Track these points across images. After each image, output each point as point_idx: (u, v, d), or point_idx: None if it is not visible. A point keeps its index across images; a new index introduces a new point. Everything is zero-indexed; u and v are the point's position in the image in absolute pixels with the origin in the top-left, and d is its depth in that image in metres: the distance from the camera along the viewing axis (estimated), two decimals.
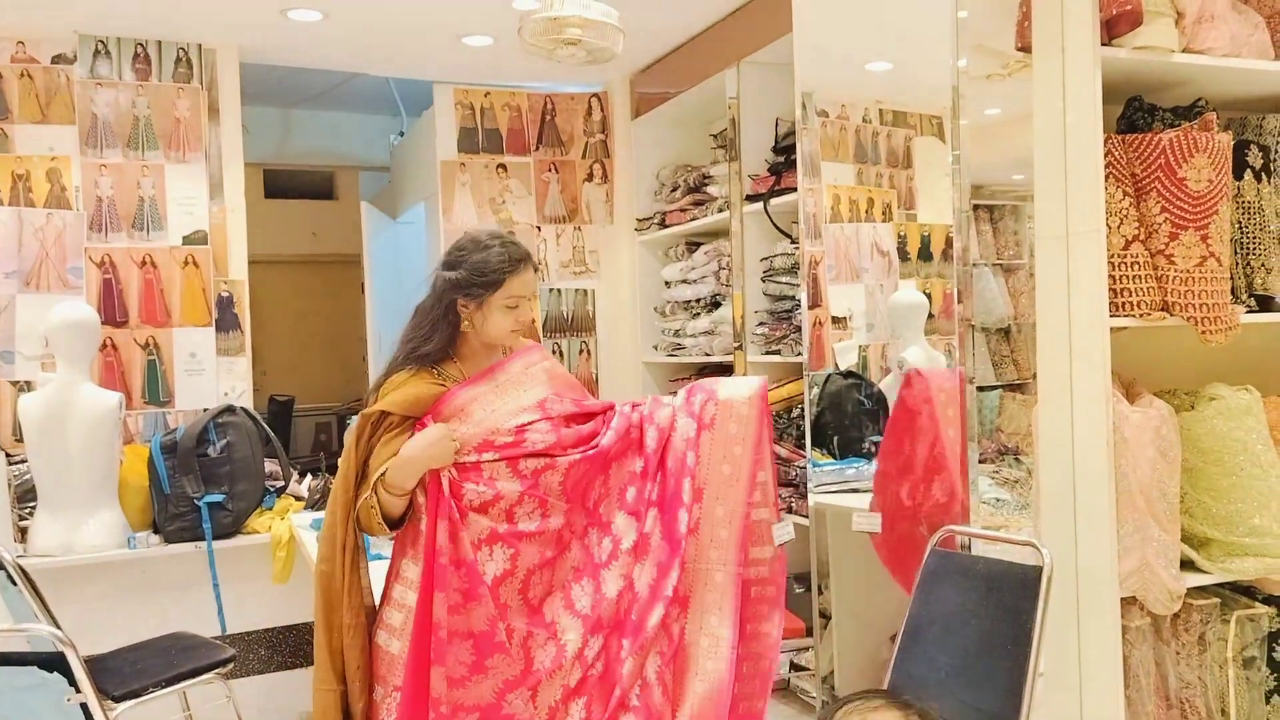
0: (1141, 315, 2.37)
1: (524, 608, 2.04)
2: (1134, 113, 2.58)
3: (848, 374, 3.67)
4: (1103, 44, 2.34)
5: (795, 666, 3.82)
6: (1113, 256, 2.36)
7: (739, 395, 2.20)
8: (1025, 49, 2.48)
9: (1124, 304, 2.37)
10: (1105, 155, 2.36)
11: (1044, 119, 2.44)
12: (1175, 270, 2.39)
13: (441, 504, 2.00)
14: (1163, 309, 2.41)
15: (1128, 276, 2.38)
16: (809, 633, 3.30)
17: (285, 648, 3.95)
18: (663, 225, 4.94)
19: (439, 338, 2.14)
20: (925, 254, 3.64)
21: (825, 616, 3.34)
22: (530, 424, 2.11)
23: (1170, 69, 2.48)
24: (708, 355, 4.62)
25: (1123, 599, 2.37)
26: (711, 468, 2.15)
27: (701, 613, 2.10)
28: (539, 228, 5.18)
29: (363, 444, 2.07)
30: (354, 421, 2.13)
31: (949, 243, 3.58)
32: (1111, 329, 2.34)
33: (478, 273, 2.11)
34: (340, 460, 2.10)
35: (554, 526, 2.09)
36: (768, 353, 4.11)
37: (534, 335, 2.36)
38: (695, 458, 2.16)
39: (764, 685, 2.21)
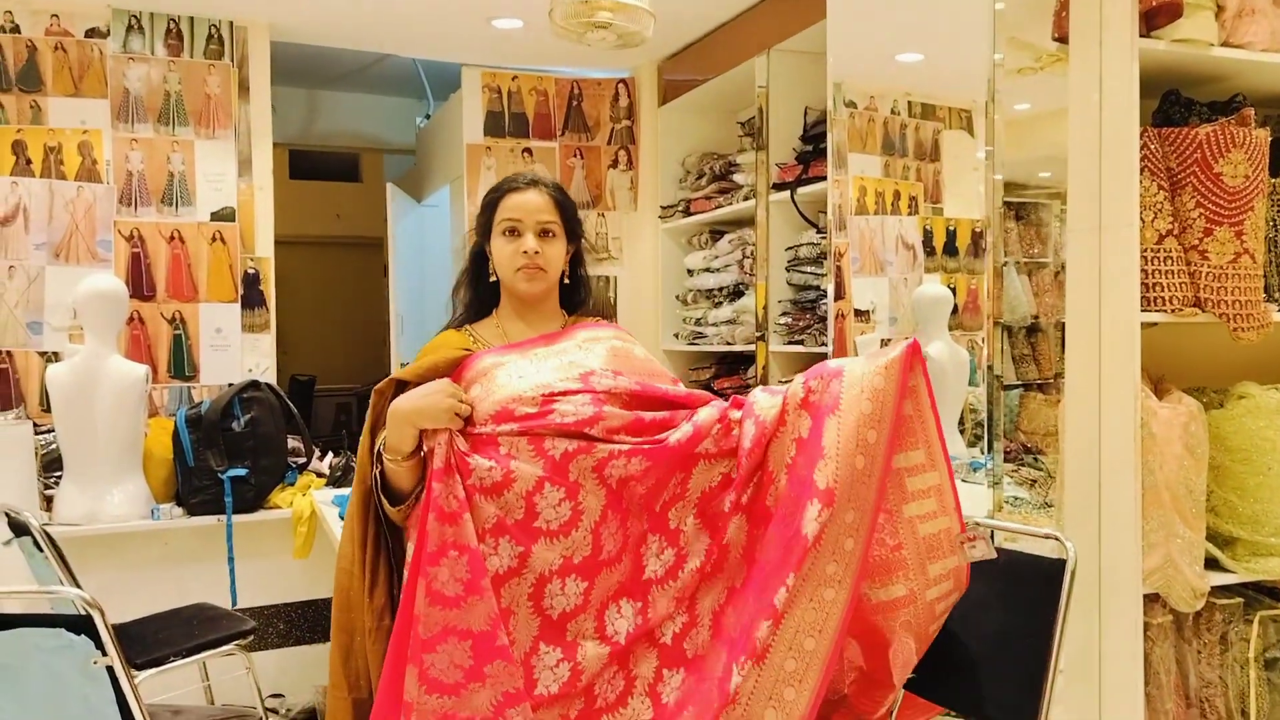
0: (1173, 311, 2.35)
1: (535, 617, 1.72)
2: (1170, 106, 2.56)
3: None
4: (1141, 35, 2.32)
5: None
6: (1145, 251, 2.35)
7: (873, 365, 1.74)
8: (1062, 39, 2.46)
9: (1155, 299, 2.36)
10: (1140, 149, 2.34)
11: (1079, 110, 2.42)
12: (1208, 266, 2.37)
13: (437, 477, 1.69)
14: (1194, 305, 2.39)
15: (1160, 271, 2.36)
16: None
17: (304, 622, 3.98)
18: (687, 213, 4.94)
19: (465, 291, 2.03)
20: (950, 248, 3.63)
21: None
22: (563, 394, 1.77)
23: (1209, 63, 2.46)
24: (729, 344, 4.62)
25: (1145, 596, 2.36)
26: (843, 461, 1.69)
27: (795, 631, 1.70)
28: None
29: (380, 420, 1.82)
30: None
31: (975, 238, 3.57)
32: (1142, 324, 2.32)
33: (484, 202, 2.00)
34: (359, 444, 1.88)
35: (588, 524, 1.74)
36: (790, 343, 4.10)
37: (599, 305, 2.10)
38: (819, 450, 1.71)
39: None
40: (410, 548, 1.77)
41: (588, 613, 1.75)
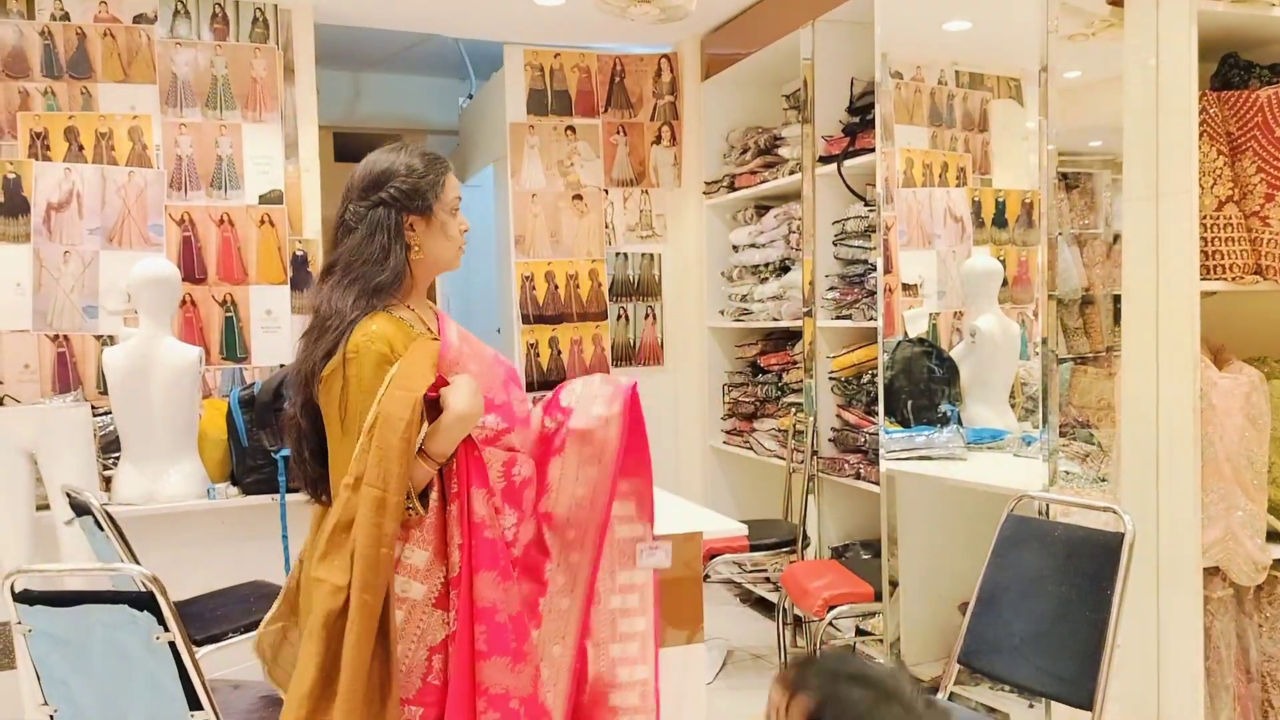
0: (1233, 279, 2.30)
1: None
2: (1229, 69, 2.50)
3: (919, 341, 3.63)
4: None
5: (861, 632, 3.81)
6: (1204, 218, 2.30)
7: (596, 416, 1.90)
8: (1117, 3, 2.41)
9: (1215, 267, 2.31)
10: (1199, 113, 2.28)
11: (1135, 75, 2.36)
12: (1270, 233, 2.32)
13: (477, 468, 1.75)
14: (1255, 273, 2.34)
15: (1220, 239, 2.31)
16: (878, 598, 3.28)
17: None
18: (731, 188, 4.91)
19: (396, 266, 1.83)
20: (1000, 220, 3.58)
21: (894, 583, 3.33)
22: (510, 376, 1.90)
23: (1270, 23, 2.39)
24: (775, 320, 4.59)
25: (1205, 569, 2.32)
26: (564, 491, 1.88)
27: (546, 640, 1.84)
28: (606, 190, 5.17)
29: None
30: (383, 413, 1.70)
31: (1024, 209, 3.51)
32: (1201, 293, 2.28)
33: (418, 176, 1.85)
34: (380, 464, 1.67)
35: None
36: (838, 317, 4.07)
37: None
38: (545, 485, 1.88)
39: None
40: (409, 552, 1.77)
41: None
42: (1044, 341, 2.60)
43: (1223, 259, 2.30)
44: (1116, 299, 2.49)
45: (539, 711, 1.79)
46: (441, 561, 1.75)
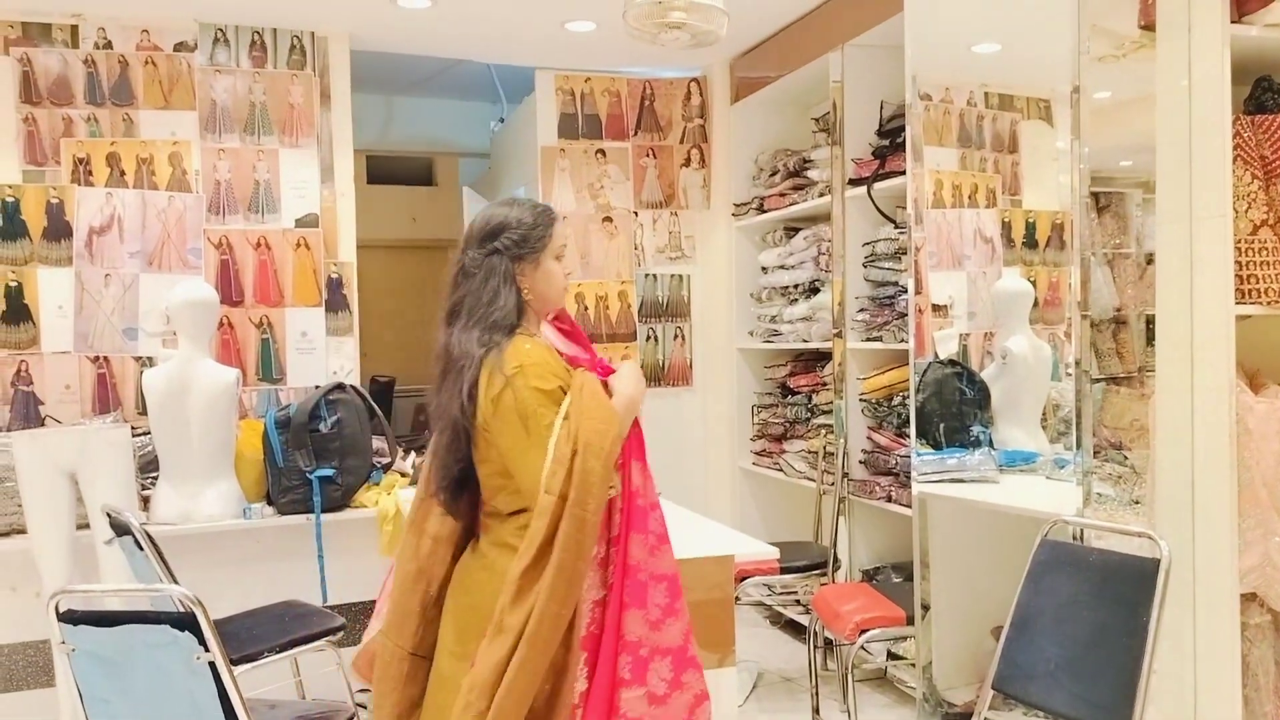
0: (1269, 303, 2.29)
1: None
2: (1262, 93, 2.49)
3: (950, 362, 3.63)
4: (1232, 21, 2.27)
5: (893, 656, 3.79)
6: (1239, 242, 2.29)
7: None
8: (1148, 27, 2.41)
9: (1250, 291, 2.30)
10: (1233, 137, 2.28)
11: (1168, 99, 2.36)
12: None
13: (638, 442, 2.01)
14: None
15: (1255, 262, 2.30)
16: (909, 622, 3.27)
17: None
18: (761, 210, 4.93)
19: (508, 305, 2.04)
20: (1030, 241, 3.57)
21: (926, 607, 3.31)
22: None
23: None
24: (805, 341, 4.60)
25: (1242, 595, 2.30)
26: None
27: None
28: (636, 213, 5.20)
29: None
30: (585, 442, 1.88)
31: (1054, 230, 3.50)
32: (1236, 317, 2.27)
33: (528, 228, 2.08)
34: (582, 488, 1.85)
35: None
36: (868, 339, 4.07)
37: None
38: None
39: None
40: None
41: None
42: (1077, 363, 2.59)
43: (1258, 283, 2.29)
44: (1149, 320, 2.49)
45: (687, 662, 2.00)
46: (606, 526, 1.97)
